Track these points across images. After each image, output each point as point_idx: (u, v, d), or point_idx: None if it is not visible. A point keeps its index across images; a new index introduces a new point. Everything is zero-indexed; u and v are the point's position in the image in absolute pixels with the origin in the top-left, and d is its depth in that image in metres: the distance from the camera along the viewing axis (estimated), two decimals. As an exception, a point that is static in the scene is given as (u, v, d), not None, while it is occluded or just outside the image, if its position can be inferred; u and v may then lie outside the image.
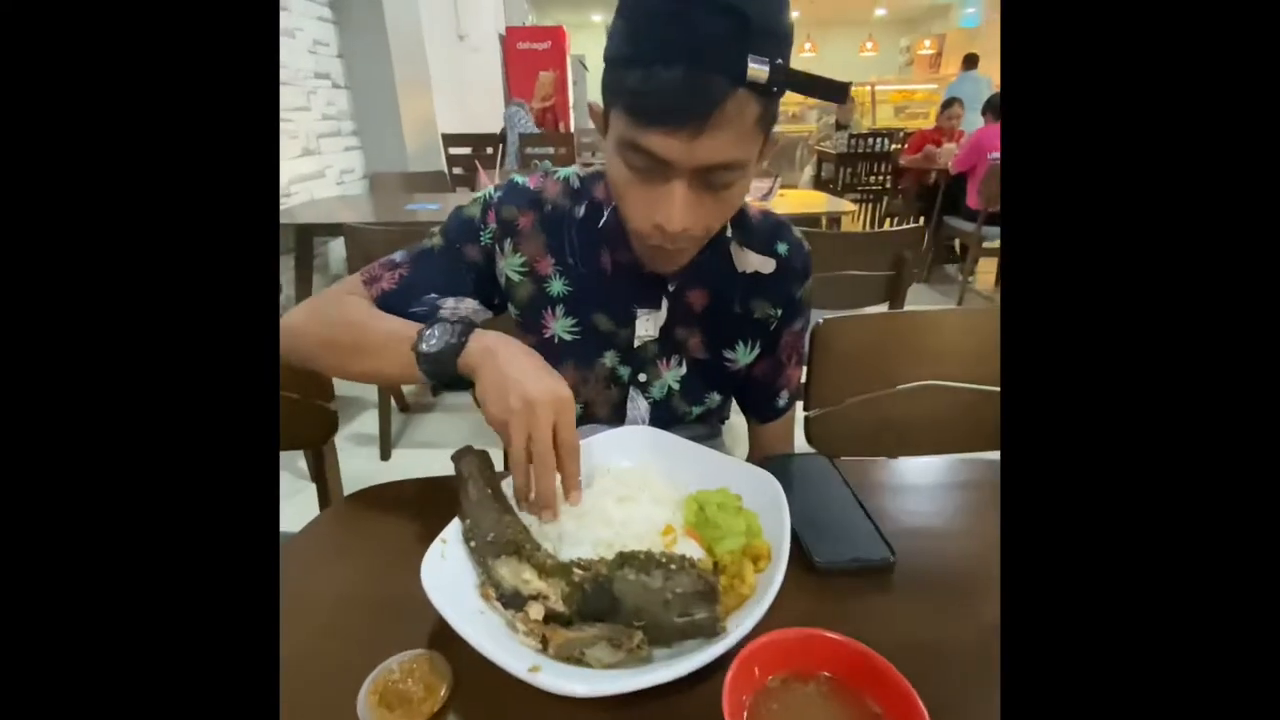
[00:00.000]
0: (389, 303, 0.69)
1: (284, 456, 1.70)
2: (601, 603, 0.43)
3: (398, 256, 0.72)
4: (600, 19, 10.86)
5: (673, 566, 0.44)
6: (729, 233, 0.72)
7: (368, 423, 2.20)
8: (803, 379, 0.85)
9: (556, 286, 0.71)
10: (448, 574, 0.46)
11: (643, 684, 0.37)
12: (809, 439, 0.95)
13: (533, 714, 0.40)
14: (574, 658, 0.42)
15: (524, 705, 0.40)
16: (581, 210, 0.71)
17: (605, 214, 0.70)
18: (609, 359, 0.73)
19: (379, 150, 3.68)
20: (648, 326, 0.72)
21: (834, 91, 0.51)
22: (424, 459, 2.08)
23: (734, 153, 0.53)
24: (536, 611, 0.44)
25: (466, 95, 4.99)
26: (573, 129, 5.58)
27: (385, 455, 2.06)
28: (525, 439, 0.50)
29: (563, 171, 0.74)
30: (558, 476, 0.52)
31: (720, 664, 0.39)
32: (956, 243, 4.05)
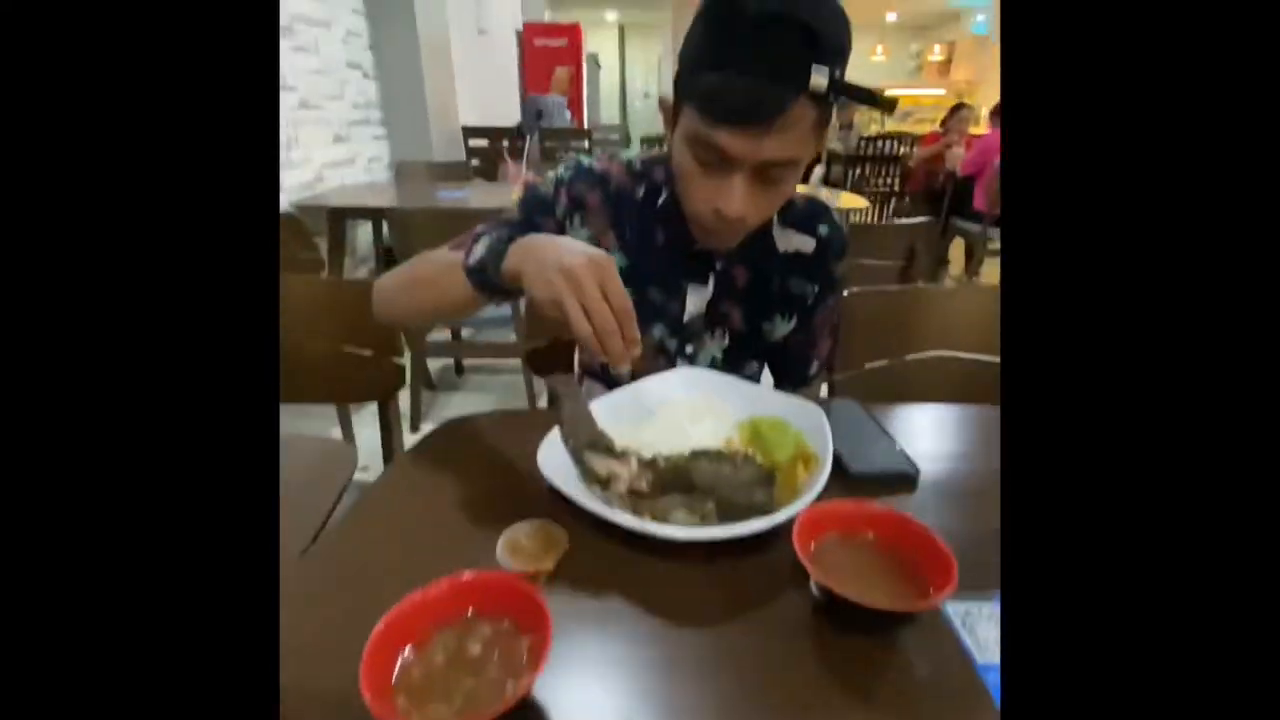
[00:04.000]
0: None
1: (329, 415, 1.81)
2: (680, 484, 0.54)
3: (480, 229, 0.78)
4: (614, 17, 10.95)
5: (739, 459, 0.54)
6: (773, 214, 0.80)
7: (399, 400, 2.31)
8: (832, 349, 0.93)
9: (616, 260, 0.77)
10: (558, 459, 0.57)
11: (726, 534, 0.47)
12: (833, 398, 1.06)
13: (627, 568, 0.50)
14: (659, 519, 0.52)
15: (620, 562, 0.50)
16: (641, 191, 0.79)
17: (663, 196, 0.78)
18: (658, 332, 0.81)
19: (404, 140, 3.80)
20: (696, 302, 0.81)
21: (885, 103, 0.61)
22: (452, 432, 2.19)
23: (792, 151, 0.61)
24: (620, 484, 0.54)
25: (485, 89, 5.09)
26: (585, 124, 5.68)
27: (415, 427, 2.16)
28: (580, 309, 0.52)
29: (625, 155, 0.83)
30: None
31: (778, 532, 0.49)
32: (963, 244, 4.15)
